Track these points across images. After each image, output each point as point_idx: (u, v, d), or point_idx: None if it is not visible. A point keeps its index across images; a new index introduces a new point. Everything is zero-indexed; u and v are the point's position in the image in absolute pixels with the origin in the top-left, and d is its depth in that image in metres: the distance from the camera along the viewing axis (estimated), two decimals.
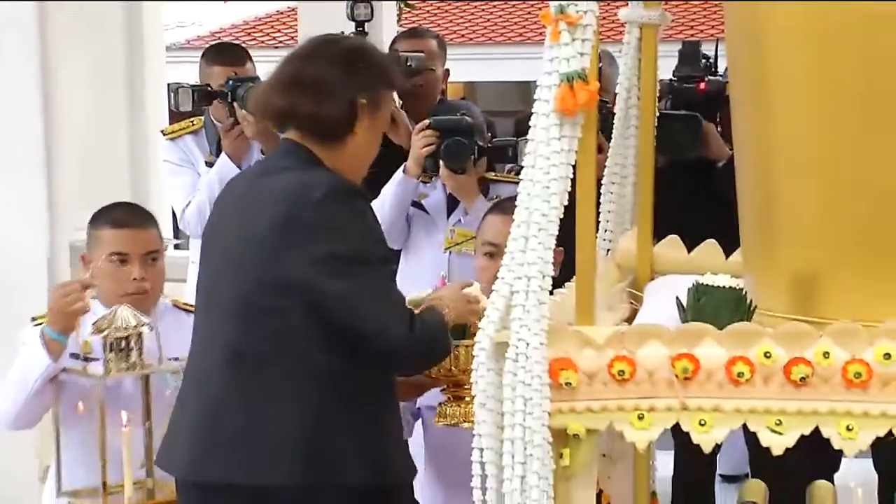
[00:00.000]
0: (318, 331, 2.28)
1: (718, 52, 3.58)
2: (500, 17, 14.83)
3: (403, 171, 3.54)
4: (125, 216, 2.89)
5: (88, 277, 2.75)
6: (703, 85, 3.49)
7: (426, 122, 3.53)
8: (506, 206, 2.81)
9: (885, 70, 1.99)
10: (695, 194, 3.40)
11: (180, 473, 2.38)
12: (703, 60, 3.60)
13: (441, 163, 3.49)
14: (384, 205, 3.52)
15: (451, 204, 3.64)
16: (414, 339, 2.30)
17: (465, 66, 10.46)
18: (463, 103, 4.22)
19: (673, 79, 3.51)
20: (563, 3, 1.96)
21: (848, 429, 1.95)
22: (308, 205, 2.28)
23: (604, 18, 2.26)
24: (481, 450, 1.98)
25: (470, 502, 2.00)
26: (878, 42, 1.99)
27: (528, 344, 1.94)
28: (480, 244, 2.98)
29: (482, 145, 3.54)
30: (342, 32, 3.77)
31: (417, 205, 3.65)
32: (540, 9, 2.02)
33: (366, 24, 3.80)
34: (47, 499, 2.86)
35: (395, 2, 6.13)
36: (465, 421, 2.47)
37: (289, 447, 2.28)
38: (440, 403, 2.54)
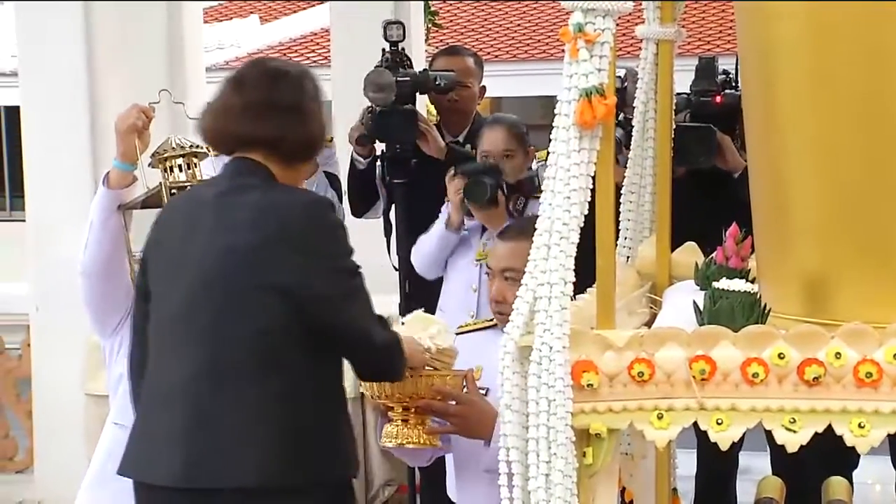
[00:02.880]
0: (299, 335, 2.40)
1: (739, 67, 3.65)
2: (524, 34, 14.94)
3: (446, 225, 3.65)
4: None
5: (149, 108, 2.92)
6: (719, 98, 3.56)
7: (452, 171, 3.62)
8: (508, 234, 2.93)
9: (886, 72, 2.06)
10: (711, 203, 3.48)
11: (166, 481, 2.40)
12: (723, 75, 3.66)
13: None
14: (427, 247, 3.65)
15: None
16: (387, 344, 2.49)
17: (491, 82, 10.55)
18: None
19: (690, 93, 3.58)
20: (581, 21, 2.05)
21: (860, 426, 2.00)
22: (298, 217, 2.42)
23: (623, 35, 2.33)
24: (507, 449, 2.05)
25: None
26: (878, 45, 2.05)
27: (551, 347, 2.01)
28: (490, 268, 3.05)
29: (509, 182, 3.61)
30: (384, 50, 3.87)
31: None
32: (561, 26, 2.10)
33: (399, 43, 3.89)
34: None
35: (423, 22, 6.24)
36: (408, 441, 2.58)
37: (274, 449, 2.38)
38: (386, 425, 2.62)
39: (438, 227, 3.68)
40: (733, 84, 3.70)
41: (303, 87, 2.53)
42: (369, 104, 3.86)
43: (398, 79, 3.75)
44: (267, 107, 2.47)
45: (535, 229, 3.02)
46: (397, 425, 2.58)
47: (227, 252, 2.41)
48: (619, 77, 3.48)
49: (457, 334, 3.01)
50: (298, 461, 2.40)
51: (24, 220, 4.79)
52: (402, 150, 3.81)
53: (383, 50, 3.93)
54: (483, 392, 2.78)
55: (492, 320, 2.95)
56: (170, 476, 2.40)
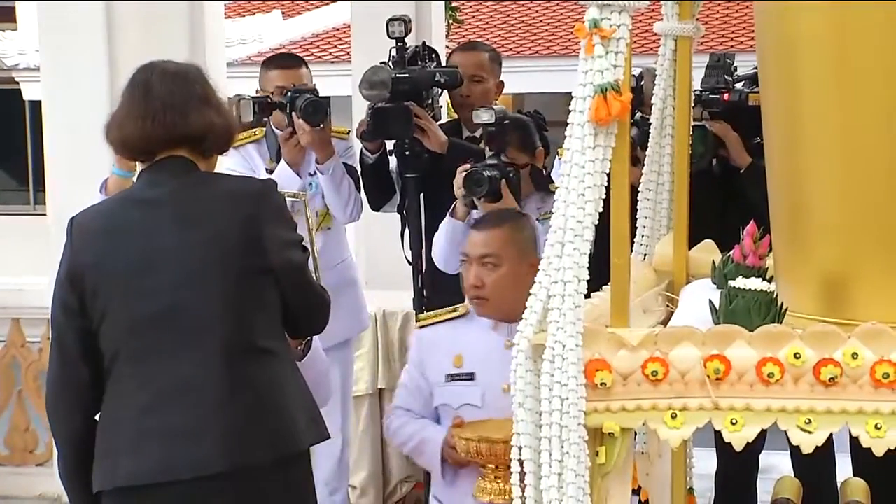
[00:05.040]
0: (279, 311, 2.51)
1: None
2: (547, 30, 14.91)
3: (451, 214, 3.64)
4: None
5: None
6: (726, 96, 3.56)
7: (463, 171, 3.58)
8: (485, 221, 3.04)
9: None
10: (725, 200, 3.48)
11: (208, 470, 2.41)
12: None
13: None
14: (439, 239, 3.65)
15: None
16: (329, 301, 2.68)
17: (514, 78, 10.55)
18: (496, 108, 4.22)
19: (699, 90, 3.57)
20: (596, 17, 2.03)
21: (876, 427, 1.99)
22: (262, 199, 2.53)
23: (644, 31, 2.30)
24: (520, 448, 2.05)
25: None
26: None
27: (564, 346, 2.01)
28: (467, 255, 3.07)
29: (513, 167, 3.56)
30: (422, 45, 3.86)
31: None
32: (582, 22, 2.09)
33: (403, 40, 3.85)
34: None
35: (444, 18, 6.23)
36: (498, 497, 2.75)
37: (284, 422, 2.46)
38: (479, 479, 2.79)
39: (447, 217, 3.67)
40: None
41: (207, 81, 2.59)
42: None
43: (397, 75, 3.73)
44: (188, 103, 2.53)
45: (511, 218, 3.10)
46: (490, 481, 2.75)
47: (201, 245, 2.46)
48: (634, 76, 3.46)
49: (421, 327, 3.07)
50: (293, 434, 2.48)
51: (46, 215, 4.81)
52: (408, 144, 3.80)
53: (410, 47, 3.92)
54: (468, 377, 2.89)
55: (456, 309, 3.04)
56: (210, 464, 2.40)
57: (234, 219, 2.47)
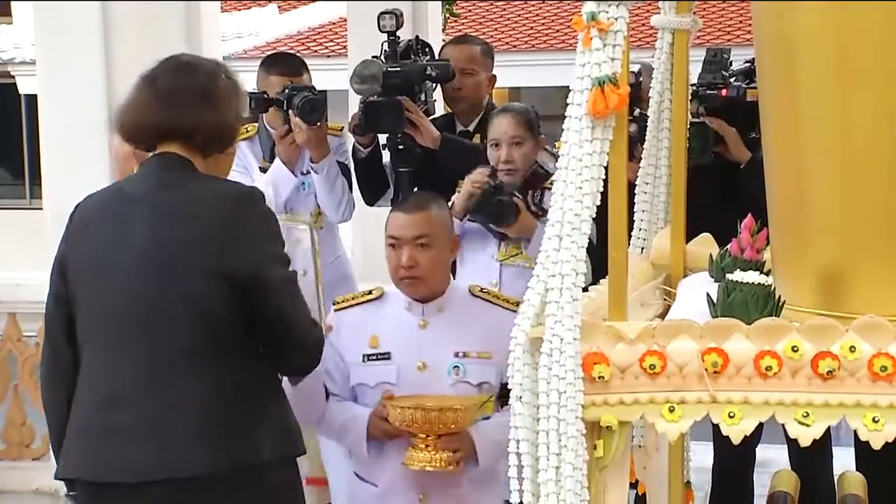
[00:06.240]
0: (247, 319, 2.44)
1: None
2: (543, 24, 14.92)
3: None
4: None
5: None
6: (724, 91, 3.56)
7: (477, 187, 3.59)
8: (412, 203, 3.07)
9: None
10: (722, 194, 3.48)
11: (136, 477, 2.38)
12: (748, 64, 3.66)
13: None
14: None
15: None
16: (316, 339, 2.57)
17: (510, 72, 10.57)
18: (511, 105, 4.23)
19: (696, 85, 3.57)
20: (594, 10, 2.03)
21: (874, 420, 1.99)
22: (237, 207, 2.46)
23: (641, 25, 2.30)
24: (517, 441, 2.05)
25: None
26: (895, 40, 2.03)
27: (562, 339, 2.00)
28: (397, 238, 3.08)
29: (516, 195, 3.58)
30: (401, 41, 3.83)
31: None
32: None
33: (396, 33, 3.83)
34: None
35: (440, 12, 6.22)
36: (430, 465, 2.84)
37: (231, 436, 2.41)
38: (410, 449, 2.86)
39: None
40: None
41: (214, 76, 2.55)
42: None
43: (388, 69, 3.70)
44: (177, 95, 2.50)
45: (431, 199, 3.07)
46: (421, 450, 2.83)
47: (171, 244, 2.43)
48: (633, 72, 3.45)
49: (336, 311, 3.08)
50: (251, 445, 2.43)
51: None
52: (401, 139, 3.78)
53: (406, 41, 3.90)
54: (385, 356, 2.96)
55: (370, 292, 3.08)
56: (139, 472, 2.38)
57: (211, 222, 2.43)
